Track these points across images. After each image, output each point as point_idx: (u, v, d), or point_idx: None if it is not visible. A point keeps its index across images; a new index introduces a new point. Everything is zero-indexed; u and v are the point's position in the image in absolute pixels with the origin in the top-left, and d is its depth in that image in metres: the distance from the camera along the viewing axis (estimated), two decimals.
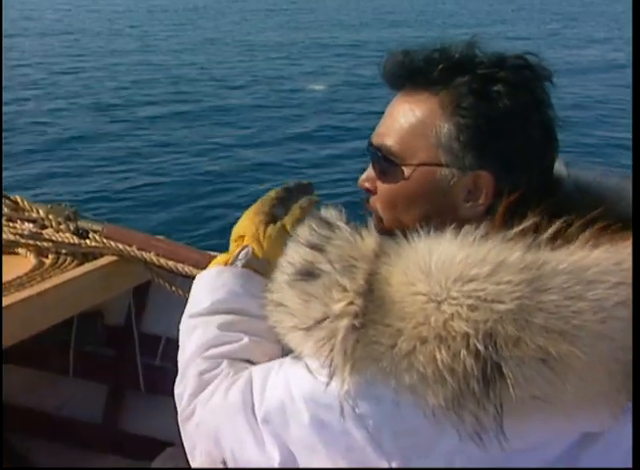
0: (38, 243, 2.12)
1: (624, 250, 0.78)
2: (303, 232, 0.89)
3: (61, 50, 16.39)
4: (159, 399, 2.22)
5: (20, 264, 2.03)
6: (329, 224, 0.88)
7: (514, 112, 0.86)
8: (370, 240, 0.83)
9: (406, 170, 0.92)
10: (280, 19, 24.93)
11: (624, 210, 0.87)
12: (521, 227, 0.79)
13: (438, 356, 0.73)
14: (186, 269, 2.00)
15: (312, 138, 8.92)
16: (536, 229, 0.80)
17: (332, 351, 0.79)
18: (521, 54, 0.91)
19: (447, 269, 0.76)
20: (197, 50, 17.42)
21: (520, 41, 17.55)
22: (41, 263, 2.10)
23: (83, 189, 6.75)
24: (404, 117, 0.92)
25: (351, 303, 0.78)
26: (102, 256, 2.10)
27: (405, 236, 0.83)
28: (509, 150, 0.88)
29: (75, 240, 2.09)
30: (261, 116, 10.09)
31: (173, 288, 2.06)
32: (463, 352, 0.73)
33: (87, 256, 2.12)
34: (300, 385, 0.87)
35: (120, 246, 2.05)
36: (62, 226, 2.13)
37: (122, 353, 2.26)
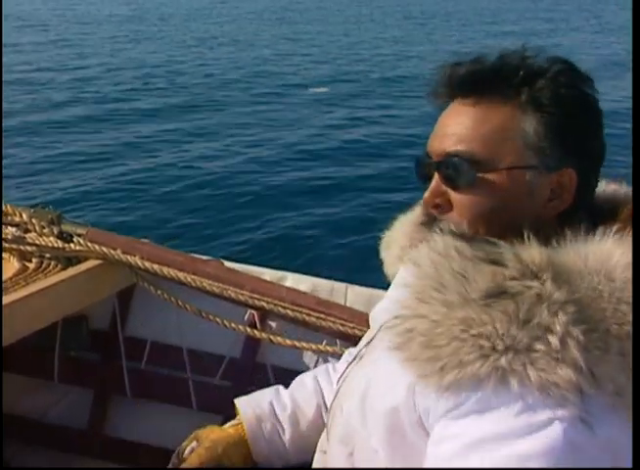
0: (22, 247, 2.11)
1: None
2: (462, 246, 0.84)
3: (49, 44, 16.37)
4: (145, 404, 2.21)
5: (3, 269, 2.01)
6: (483, 239, 0.85)
7: (585, 107, 0.91)
8: (535, 250, 0.81)
9: (494, 176, 0.89)
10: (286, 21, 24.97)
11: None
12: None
13: None
14: (171, 272, 2.00)
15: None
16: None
17: (560, 366, 0.74)
18: (562, 58, 0.94)
19: (629, 270, 0.78)
20: (198, 50, 17.43)
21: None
22: (25, 268, 2.08)
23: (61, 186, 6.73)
24: (482, 123, 0.90)
25: (565, 313, 0.76)
26: (86, 259, 2.09)
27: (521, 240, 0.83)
28: (588, 146, 0.91)
29: (59, 244, 2.08)
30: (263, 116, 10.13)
31: (159, 291, 2.06)
32: None
33: (71, 259, 2.10)
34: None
35: (105, 249, 2.04)
36: (45, 230, 2.11)
37: (108, 358, 2.24)
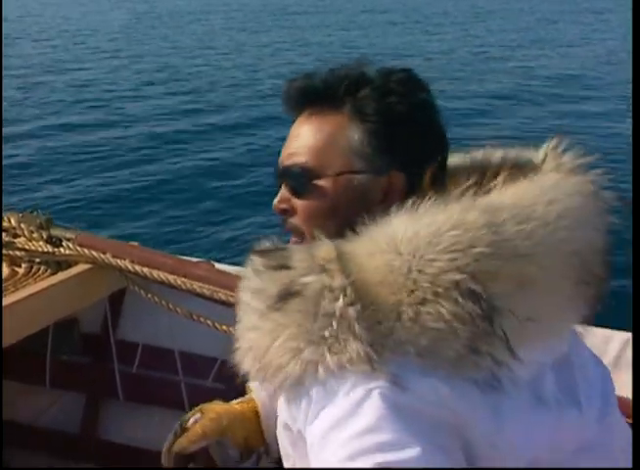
0: (10, 252, 2.11)
1: (537, 182, 0.93)
2: (257, 261, 0.90)
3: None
4: (137, 407, 2.21)
5: None
6: (277, 249, 0.91)
7: (411, 114, 0.96)
8: (325, 246, 0.87)
9: (324, 182, 0.96)
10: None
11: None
12: (462, 188, 0.90)
13: (442, 310, 0.80)
14: (161, 275, 2.00)
15: None
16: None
17: (347, 344, 0.80)
18: (401, 68, 1.01)
19: (416, 239, 0.83)
20: (203, 49, 17.44)
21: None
22: (14, 273, 2.08)
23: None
24: (313, 134, 0.98)
25: (344, 296, 0.82)
26: (76, 264, 2.09)
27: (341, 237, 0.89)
28: (413, 148, 0.96)
29: (49, 248, 2.07)
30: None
31: (149, 295, 2.05)
32: (460, 298, 0.80)
33: (61, 264, 2.10)
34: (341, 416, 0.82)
35: (95, 253, 2.04)
36: (34, 235, 2.11)
37: (99, 362, 2.24)
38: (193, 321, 2.03)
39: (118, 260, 2.03)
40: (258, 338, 0.87)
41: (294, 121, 1.02)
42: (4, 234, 2.12)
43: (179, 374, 2.16)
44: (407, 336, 0.81)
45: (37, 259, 2.11)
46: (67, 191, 6.83)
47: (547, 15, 25.42)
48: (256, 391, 1.34)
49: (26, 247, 2.09)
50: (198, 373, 2.16)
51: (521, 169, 0.97)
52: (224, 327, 2.01)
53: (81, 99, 11.27)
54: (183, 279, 1.98)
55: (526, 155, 1.02)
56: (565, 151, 0.99)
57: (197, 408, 1.32)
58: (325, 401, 0.83)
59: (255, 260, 0.91)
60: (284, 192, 1.01)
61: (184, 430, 1.27)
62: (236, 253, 5.13)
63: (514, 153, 1.03)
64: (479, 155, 1.05)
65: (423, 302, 0.81)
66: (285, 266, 0.87)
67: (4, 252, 2.08)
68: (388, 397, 0.79)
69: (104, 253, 2.05)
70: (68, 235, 2.12)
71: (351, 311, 0.81)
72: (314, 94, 0.99)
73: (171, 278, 1.99)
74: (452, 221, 0.83)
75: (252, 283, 0.90)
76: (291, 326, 0.84)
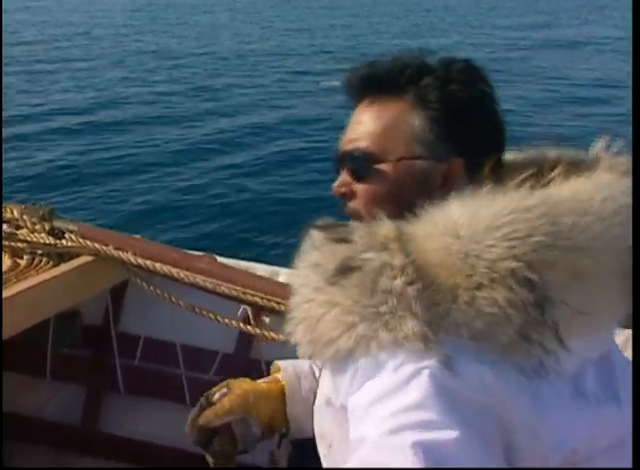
0: (13, 244, 2.10)
1: (592, 179, 0.94)
2: (317, 236, 0.93)
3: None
4: (138, 400, 2.20)
5: None
6: (337, 224, 0.94)
7: (472, 103, 0.99)
8: (386, 225, 0.88)
9: (385, 167, 0.99)
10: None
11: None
12: (519, 179, 0.93)
13: (497, 296, 0.81)
14: (164, 268, 1.99)
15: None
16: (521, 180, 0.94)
17: (403, 322, 0.81)
18: (462, 58, 1.03)
19: (475, 223, 0.85)
20: (207, 41, 17.40)
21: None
22: (16, 264, 2.07)
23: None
24: (375, 121, 1.00)
25: (404, 275, 0.83)
26: (78, 256, 2.08)
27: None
28: (474, 136, 0.99)
29: (51, 240, 2.06)
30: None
31: (151, 287, 2.04)
32: (515, 285, 0.81)
33: (63, 256, 2.09)
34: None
35: (97, 245, 2.03)
36: (37, 226, 2.10)
37: (100, 354, 2.23)
38: (195, 314, 2.02)
39: (121, 253, 2.02)
40: (312, 309, 0.89)
41: (353, 109, 1.05)
42: (6, 225, 2.11)
43: (181, 367, 2.15)
44: (463, 318, 0.82)
45: (39, 251, 2.10)
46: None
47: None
48: (283, 370, 1.35)
49: (28, 238, 2.07)
50: (199, 367, 2.15)
51: (576, 167, 0.98)
52: (227, 320, 2.01)
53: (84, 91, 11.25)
54: (186, 272, 1.97)
55: (580, 155, 1.03)
56: (617, 153, 1.01)
57: (223, 383, 1.32)
58: (372, 373, 0.84)
59: (315, 235, 0.94)
60: (344, 176, 1.03)
61: (210, 404, 1.27)
62: (239, 247, 5.13)
63: (570, 153, 1.04)
64: (533, 152, 1.06)
65: (479, 286, 0.82)
66: (345, 240, 0.89)
67: (6, 243, 2.07)
68: (437, 377, 0.80)
69: (106, 245, 2.04)
70: (71, 227, 2.11)
71: (410, 290, 0.82)
72: (376, 82, 1.01)
73: (174, 271, 1.98)
74: (511, 208, 0.85)
75: (311, 257, 0.92)
76: (346, 300, 0.85)
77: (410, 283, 0.83)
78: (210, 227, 5.87)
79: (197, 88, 11.94)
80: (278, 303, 1.91)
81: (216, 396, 1.28)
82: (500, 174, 0.99)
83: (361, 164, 1.00)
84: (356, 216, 1.01)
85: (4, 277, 1.94)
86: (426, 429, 0.77)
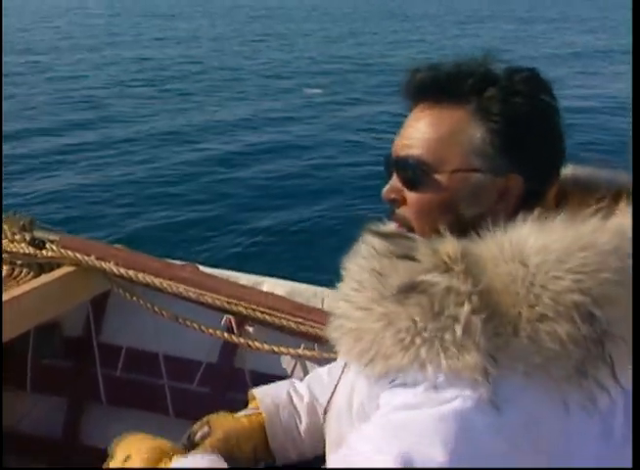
0: None
1: None
2: (378, 244, 0.92)
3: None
4: (120, 411, 2.18)
5: None
6: (401, 236, 0.93)
7: (536, 117, 0.94)
8: (449, 243, 0.87)
9: (440, 178, 0.95)
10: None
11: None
12: (591, 208, 0.90)
13: (560, 330, 0.81)
14: (147, 278, 1.98)
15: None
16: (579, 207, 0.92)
17: (466, 352, 0.80)
18: (527, 68, 0.98)
19: (544, 253, 0.83)
20: (188, 48, 17.34)
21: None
22: None
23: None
24: (432, 128, 0.96)
25: (470, 302, 0.82)
26: (59, 266, 2.06)
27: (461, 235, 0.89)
28: (535, 152, 0.95)
29: (31, 250, 2.04)
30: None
31: (134, 297, 2.03)
32: (578, 320, 0.81)
33: (43, 266, 2.07)
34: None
35: (79, 256, 2.01)
36: (17, 236, 2.08)
37: (82, 365, 2.21)
38: (178, 324, 2.01)
39: (103, 263, 2.01)
40: (366, 320, 0.87)
41: (410, 111, 1.01)
42: None
43: (163, 377, 2.13)
44: (522, 352, 0.81)
45: (19, 262, 2.08)
46: (51, 190, 6.72)
47: None
48: (261, 401, 1.34)
49: (8, 248, 2.05)
50: (182, 377, 2.13)
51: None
52: (210, 330, 2.00)
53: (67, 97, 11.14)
54: (169, 282, 1.97)
55: (630, 179, 1.01)
56: None
57: (204, 420, 1.32)
58: (409, 382, 0.84)
59: (375, 243, 0.92)
60: (395, 182, 0.99)
61: (193, 444, 1.27)
62: (221, 256, 5.09)
63: (624, 177, 1.02)
64: (590, 171, 1.05)
65: (541, 318, 0.81)
66: (409, 257, 0.87)
67: None
68: (467, 410, 0.81)
69: (88, 255, 2.03)
70: (52, 237, 2.09)
71: (475, 320, 0.81)
72: (438, 87, 0.97)
73: (157, 281, 1.97)
74: (583, 242, 0.84)
75: (371, 263, 0.90)
76: (406, 319, 0.84)
77: (475, 312, 0.81)
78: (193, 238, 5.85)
79: (178, 98, 11.91)
80: (262, 312, 1.92)
81: (198, 435, 1.28)
82: (566, 197, 0.97)
83: (414, 173, 0.96)
84: (405, 224, 0.98)
85: None
86: (416, 447, 0.79)
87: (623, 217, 0.90)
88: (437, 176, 0.95)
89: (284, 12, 28.36)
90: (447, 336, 0.81)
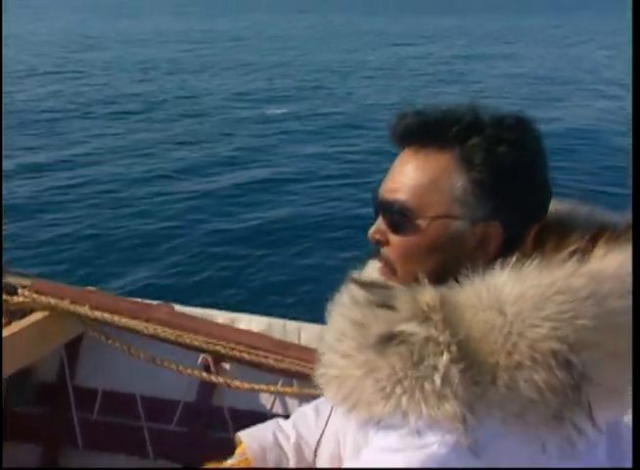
0: None
1: (629, 252, 0.93)
2: (358, 293, 0.94)
3: None
4: (98, 455, 2.15)
5: None
6: (379, 284, 0.95)
7: (520, 166, 0.95)
8: (428, 292, 0.88)
9: (422, 223, 0.97)
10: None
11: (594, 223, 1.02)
12: (566, 252, 0.91)
13: (537, 377, 0.82)
14: (123, 321, 1.97)
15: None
16: (557, 250, 0.93)
17: (445, 402, 0.82)
18: (514, 114, 1.00)
19: (521, 301, 0.85)
20: (156, 73, 17.29)
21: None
22: None
23: None
24: (418, 174, 0.98)
25: (449, 352, 0.83)
26: (32, 312, 2.04)
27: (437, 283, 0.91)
28: (517, 201, 0.96)
29: (3, 297, 2.02)
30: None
31: (110, 340, 2.02)
32: (555, 367, 0.82)
33: (15, 312, 2.05)
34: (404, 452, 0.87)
35: (52, 300, 2.00)
36: None
37: (57, 410, 2.18)
38: (154, 365, 2.01)
39: (77, 307, 2.00)
40: (348, 368, 0.90)
41: (398, 153, 1.03)
42: None
43: (141, 419, 2.12)
44: (499, 401, 0.82)
45: None
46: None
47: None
48: (248, 446, 1.35)
49: None
50: (161, 417, 2.12)
51: (613, 234, 0.97)
52: (188, 370, 2.00)
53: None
54: (146, 324, 1.97)
55: (610, 218, 1.03)
56: None
57: None
58: (392, 427, 0.87)
59: (356, 292, 0.95)
60: (380, 224, 1.01)
61: None
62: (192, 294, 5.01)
63: (603, 215, 1.04)
64: (566, 208, 1.06)
65: (518, 366, 0.83)
66: (388, 306, 0.89)
67: None
68: (446, 455, 0.84)
69: (61, 299, 2.01)
70: (24, 282, 2.07)
71: (454, 370, 0.83)
72: (424, 133, 0.98)
73: (133, 323, 1.97)
74: (557, 287, 0.85)
75: (353, 314, 0.93)
76: (385, 368, 0.86)
77: (454, 361, 0.83)
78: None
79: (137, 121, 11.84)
80: (241, 350, 1.93)
81: None
82: (543, 240, 0.97)
83: (398, 217, 0.98)
84: (388, 266, 1.01)
85: None
86: None
87: (600, 261, 0.92)
88: (419, 222, 0.97)
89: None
90: (427, 385, 0.83)
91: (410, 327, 0.85)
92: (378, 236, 1.02)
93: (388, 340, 0.86)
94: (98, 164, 8.94)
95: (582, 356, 0.83)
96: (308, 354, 1.93)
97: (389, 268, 1.01)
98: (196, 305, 2.20)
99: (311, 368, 1.84)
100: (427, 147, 0.98)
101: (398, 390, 0.85)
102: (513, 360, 0.82)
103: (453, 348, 0.83)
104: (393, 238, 1.00)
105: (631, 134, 1.17)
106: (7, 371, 1.96)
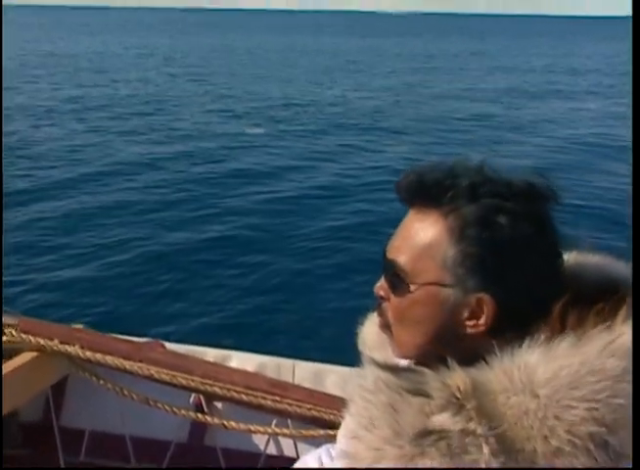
0: None
1: None
2: (389, 378, 0.89)
3: None
4: None
5: None
6: (408, 369, 0.91)
7: (516, 242, 0.92)
8: (458, 375, 0.86)
9: (413, 288, 0.97)
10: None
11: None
12: (595, 330, 0.88)
13: (577, 463, 0.81)
14: (116, 361, 1.93)
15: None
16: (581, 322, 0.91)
17: None
18: (527, 180, 0.96)
19: (555, 381, 0.83)
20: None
21: None
22: None
23: None
24: (415, 237, 0.97)
25: (487, 444, 0.81)
26: (17, 352, 1.98)
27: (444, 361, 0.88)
28: (511, 276, 0.93)
29: None
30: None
31: (100, 381, 1.97)
32: (594, 451, 0.80)
33: (1, 352, 1.98)
34: None
35: (41, 341, 1.94)
36: None
37: (42, 453, 2.11)
38: (144, 405, 1.97)
39: (67, 347, 1.95)
40: (381, 462, 0.85)
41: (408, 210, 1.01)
42: None
43: (130, 461, 2.07)
44: None
45: None
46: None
47: None
48: None
49: None
50: (151, 458, 2.08)
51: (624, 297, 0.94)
52: (182, 411, 1.96)
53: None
54: (139, 364, 1.92)
55: (618, 271, 1.01)
56: None
57: None
58: None
59: (381, 374, 0.90)
60: (383, 281, 1.02)
61: None
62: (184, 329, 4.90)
63: (607, 266, 1.03)
64: (574, 263, 1.03)
65: (557, 452, 0.81)
66: (422, 393, 0.85)
67: None
68: None
69: (50, 339, 1.96)
70: (10, 321, 2.01)
71: (496, 464, 0.80)
72: (421, 194, 0.97)
73: (127, 364, 1.92)
74: (590, 366, 0.83)
75: (381, 398, 0.87)
76: (424, 463, 0.82)
77: (495, 455, 0.81)
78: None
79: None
80: (238, 391, 1.90)
81: None
82: (568, 313, 0.93)
83: (395, 278, 0.98)
84: (386, 323, 1.01)
85: None
86: None
87: (625, 331, 0.89)
88: (412, 287, 0.96)
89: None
90: None
91: (446, 419, 0.83)
92: (381, 292, 1.02)
93: (426, 434, 0.83)
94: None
95: (619, 436, 0.81)
96: (305, 395, 1.91)
97: (386, 324, 1.02)
98: (186, 343, 2.17)
99: (308, 409, 1.87)
100: (427, 209, 0.97)
101: None
102: (551, 446, 0.81)
103: (492, 440, 0.81)
104: (392, 297, 1.00)
105: (631, 133, 1.17)
106: None
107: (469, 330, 0.94)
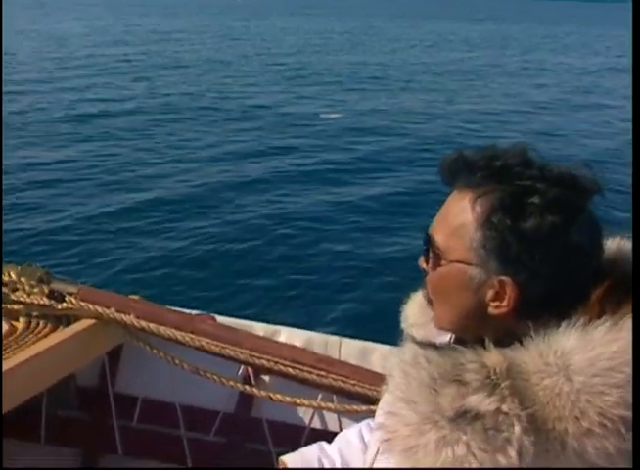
0: (9, 306, 2.07)
1: None
2: (429, 355, 0.92)
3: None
4: (137, 462, 2.18)
5: None
6: (449, 347, 0.94)
7: (541, 231, 0.91)
8: (495, 356, 0.88)
9: (444, 264, 1.01)
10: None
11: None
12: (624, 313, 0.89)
13: (609, 445, 0.82)
14: (168, 332, 1.99)
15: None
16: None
17: None
18: (567, 168, 0.96)
19: (589, 370, 0.84)
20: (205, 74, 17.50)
21: None
22: (13, 328, 2.04)
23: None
24: (450, 216, 1.01)
25: (519, 422, 0.83)
26: (76, 318, 2.06)
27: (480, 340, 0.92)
28: (533, 262, 0.93)
29: (50, 302, 2.05)
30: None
31: (154, 350, 2.04)
32: (625, 432, 0.82)
33: (60, 318, 2.07)
34: None
35: (99, 308, 2.02)
36: (35, 289, 2.08)
37: (97, 416, 2.21)
38: (194, 375, 2.03)
39: (123, 316, 2.02)
40: (420, 440, 0.87)
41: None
42: (4, 288, 2.08)
43: (180, 428, 2.14)
44: (568, 467, 0.83)
45: (35, 313, 2.08)
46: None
47: None
48: (292, 467, 1.36)
49: (27, 300, 2.05)
50: (200, 427, 2.15)
51: None
52: (230, 382, 2.02)
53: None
54: (191, 335, 1.99)
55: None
56: None
57: None
58: None
59: (420, 352, 0.94)
60: (425, 255, 1.05)
61: None
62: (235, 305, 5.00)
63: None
64: (613, 249, 1.03)
65: (588, 433, 0.83)
66: (460, 381, 0.87)
67: (3, 306, 2.04)
68: None
69: (107, 308, 2.04)
70: (70, 289, 2.10)
71: (527, 442, 0.83)
72: (456, 174, 1.00)
73: (178, 334, 1.99)
74: (625, 354, 0.85)
75: (421, 375, 0.90)
76: (460, 441, 0.85)
77: (526, 433, 0.83)
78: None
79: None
80: (285, 365, 1.95)
81: None
82: (607, 299, 0.94)
83: (432, 254, 1.02)
84: (426, 294, 1.07)
85: (4, 343, 1.91)
86: None
87: None
88: (442, 263, 1.01)
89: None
90: (501, 458, 0.83)
91: (482, 399, 0.85)
92: (423, 266, 1.06)
93: (463, 414, 0.85)
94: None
95: None
96: (350, 371, 1.95)
97: (427, 297, 1.07)
98: (237, 317, 2.23)
99: (352, 385, 1.91)
100: (464, 189, 0.99)
101: (473, 464, 0.84)
102: (582, 427, 0.83)
103: (523, 418, 0.83)
104: (430, 271, 1.04)
105: (632, 133, 1.15)
106: (53, 379, 1.99)
107: (494, 310, 0.96)
